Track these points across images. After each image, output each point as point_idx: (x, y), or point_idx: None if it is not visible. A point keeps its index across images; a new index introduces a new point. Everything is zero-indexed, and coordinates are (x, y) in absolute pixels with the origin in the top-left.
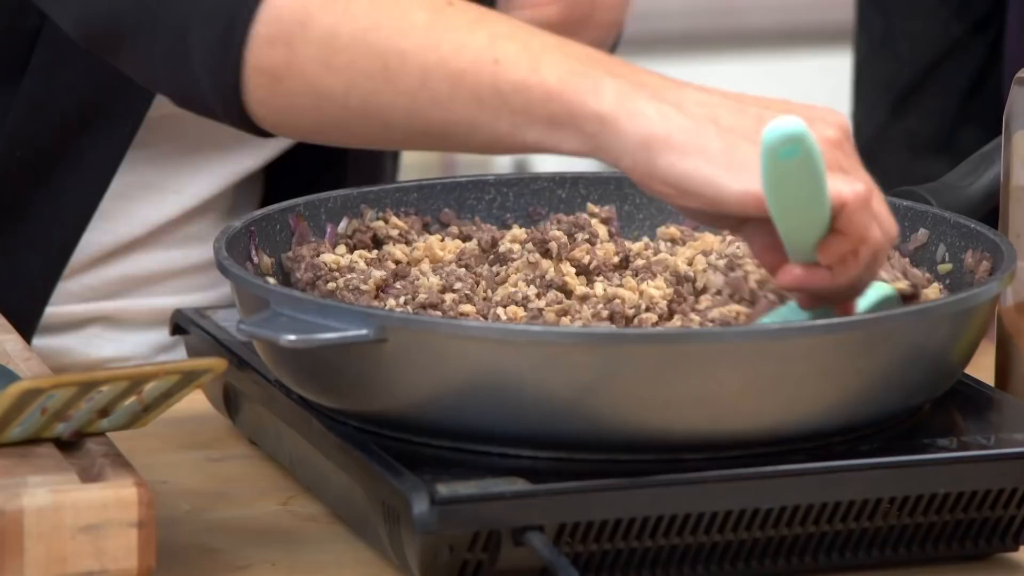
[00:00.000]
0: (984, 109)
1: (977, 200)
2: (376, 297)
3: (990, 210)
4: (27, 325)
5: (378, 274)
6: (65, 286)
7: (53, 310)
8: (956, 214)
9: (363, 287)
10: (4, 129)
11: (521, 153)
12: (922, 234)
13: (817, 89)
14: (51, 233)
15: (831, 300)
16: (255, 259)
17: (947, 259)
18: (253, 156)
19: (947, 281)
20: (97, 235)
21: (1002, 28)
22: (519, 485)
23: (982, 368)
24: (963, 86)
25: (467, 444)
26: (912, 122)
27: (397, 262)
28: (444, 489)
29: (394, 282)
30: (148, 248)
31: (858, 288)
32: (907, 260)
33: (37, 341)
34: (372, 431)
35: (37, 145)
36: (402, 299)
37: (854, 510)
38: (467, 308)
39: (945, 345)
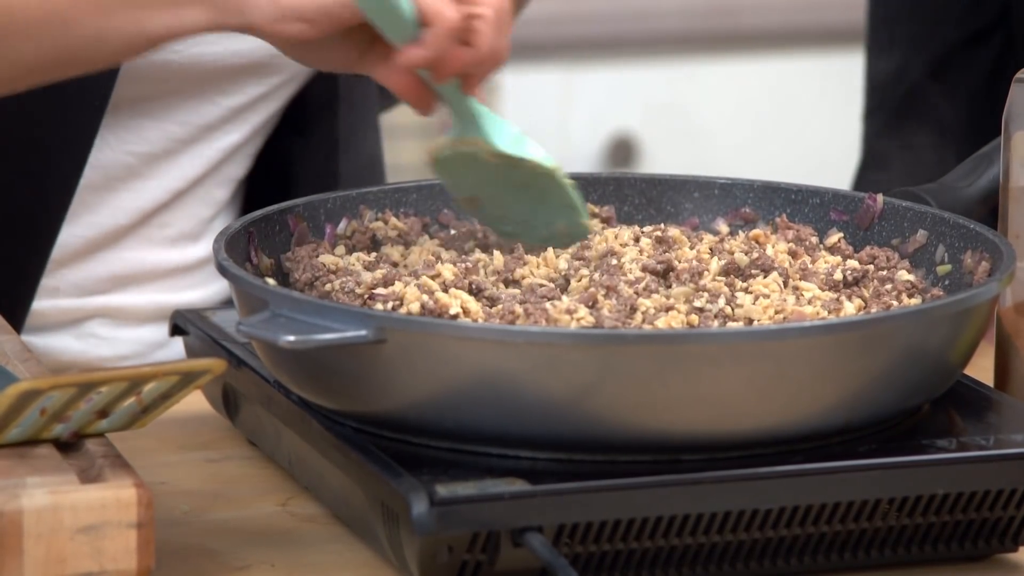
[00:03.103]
0: (990, 111)
1: (976, 201)
2: (364, 304)
3: (989, 211)
4: (15, 318)
5: (367, 277)
6: (55, 282)
7: (47, 305)
8: (955, 215)
9: (357, 290)
10: None
11: (150, 49)
12: (921, 235)
13: (814, 91)
14: (34, 217)
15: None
16: (254, 260)
17: (946, 260)
18: (239, 131)
19: (946, 282)
20: (82, 228)
21: (1010, 32)
22: (518, 486)
23: (981, 369)
24: (969, 88)
25: (466, 445)
26: (918, 124)
27: (394, 264)
28: (443, 490)
29: (384, 287)
30: (135, 241)
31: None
32: (907, 261)
33: (35, 339)
34: (371, 432)
35: (9, 117)
36: (390, 304)
37: (853, 511)
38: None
39: (944, 346)
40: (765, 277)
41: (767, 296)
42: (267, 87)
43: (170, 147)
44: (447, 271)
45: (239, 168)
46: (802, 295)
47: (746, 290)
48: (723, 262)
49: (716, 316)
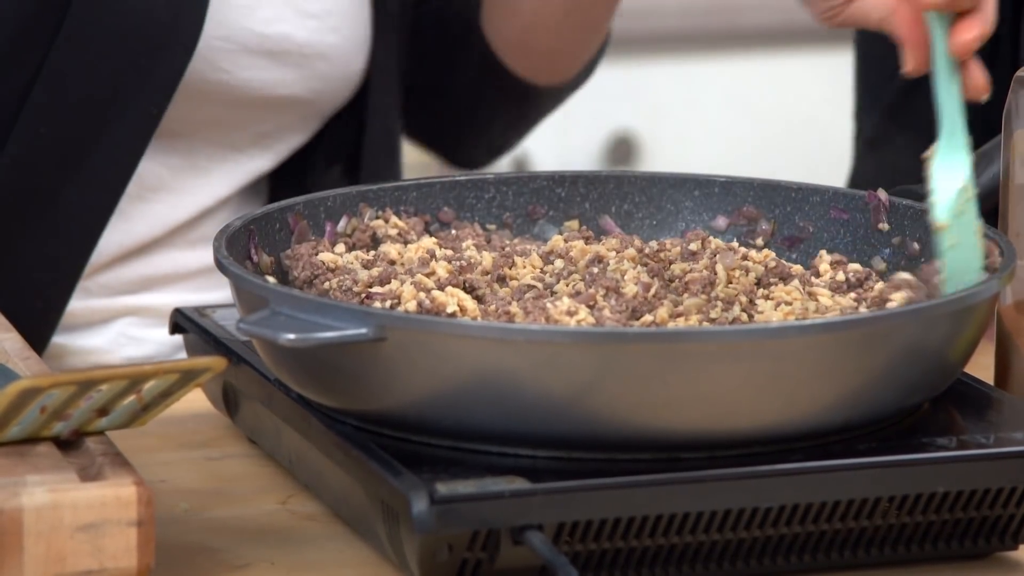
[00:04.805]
0: (987, 107)
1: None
2: (362, 302)
3: (990, 209)
4: (49, 319)
5: (364, 276)
6: (86, 284)
7: (78, 305)
8: None
9: (355, 288)
10: (30, 105)
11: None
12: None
13: (815, 89)
14: (78, 220)
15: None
16: (254, 258)
17: None
18: (266, 158)
19: None
20: (117, 235)
21: (1012, 26)
22: (518, 484)
23: (981, 367)
24: None
25: (466, 443)
26: (913, 120)
27: (392, 262)
28: (443, 488)
29: (381, 286)
30: (166, 248)
31: None
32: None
33: (64, 338)
34: (371, 430)
35: (63, 121)
36: (388, 303)
37: (853, 509)
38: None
39: (944, 344)
40: (786, 284)
41: (789, 304)
42: (295, 116)
43: (199, 163)
44: (441, 269)
45: (263, 191)
46: (818, 300)
47: (767, 297)
48: (752, 274)
49: (732, 324)
